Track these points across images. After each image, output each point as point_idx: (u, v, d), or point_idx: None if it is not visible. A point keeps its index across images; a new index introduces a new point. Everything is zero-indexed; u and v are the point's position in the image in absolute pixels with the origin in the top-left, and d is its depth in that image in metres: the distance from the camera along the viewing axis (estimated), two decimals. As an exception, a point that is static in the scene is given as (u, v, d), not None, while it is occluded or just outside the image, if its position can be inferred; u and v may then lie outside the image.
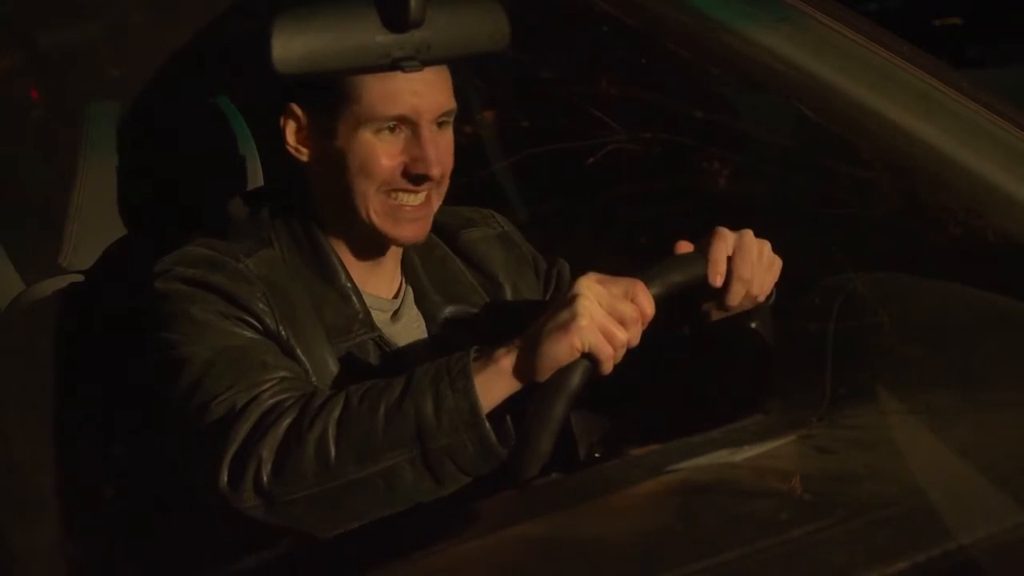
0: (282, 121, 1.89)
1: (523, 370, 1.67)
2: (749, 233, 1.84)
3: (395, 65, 1.83)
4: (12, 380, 2.02)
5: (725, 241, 1.82)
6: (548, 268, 2.12)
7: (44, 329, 2.02)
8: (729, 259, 1.81)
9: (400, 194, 1.87)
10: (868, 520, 1.52)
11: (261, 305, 1.82)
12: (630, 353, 1.70)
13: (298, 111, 1.88)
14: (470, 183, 1.98)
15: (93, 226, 2.10)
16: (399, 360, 1.89)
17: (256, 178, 2.18)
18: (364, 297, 1.92)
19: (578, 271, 2.12)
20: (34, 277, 2.11)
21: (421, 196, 1.88)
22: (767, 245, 1.85)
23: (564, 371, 1.67)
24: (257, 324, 1.81)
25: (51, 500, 1.96)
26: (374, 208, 1.87)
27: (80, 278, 2.09)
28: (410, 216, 1.88)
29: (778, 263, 1.86)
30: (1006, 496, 1.57)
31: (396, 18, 1.82)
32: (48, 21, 2.20)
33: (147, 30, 2.15)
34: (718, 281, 1.81)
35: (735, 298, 1.83)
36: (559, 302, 1.70)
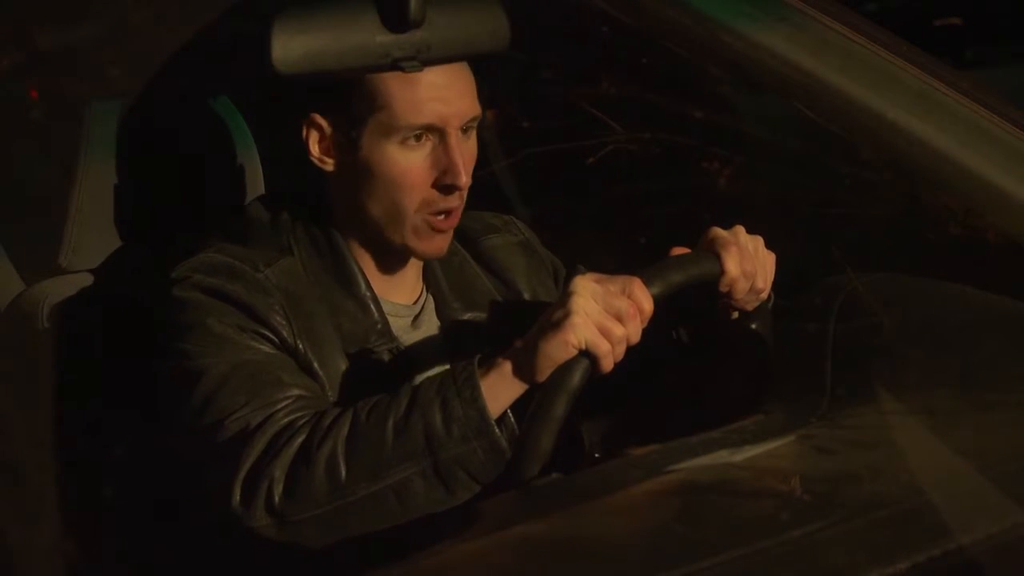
0: (304, 131, 1.87)
1: (524, 372, 1.67)
2: (741, 229, 1.85)
3: (395, 65, 1.82)
4: (12, 380, 2.02)
5: (730, 241, 1.83)
6: (567, 274, 2.12)
7: (44, 329, 2.01)
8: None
9: (437, 205, 1.86)
10: (868, 520, 1.52)
11: (278, 318, 1.81)
12: (630, 352, 1.70)
13: (321, 121, 1.86)
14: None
15: (93, 226, 2.10)
16: (416, 369, 1.89)
17: (255, 179, 2.18)
18: (383, 305, 1.91)
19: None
20: (34, 277, 2.11)
21: (452, 202, 1.87)
22: (760, 239, 1.86)
23: (563, 370, 1.67)
24: (274, 337, 1.80)
25: (51, 500, 1.96)
26: (410, 225, 1.86)
27: (80, 278, 2.09)
28: (441, 229, 1.88)
29: (772, 258, 1.88)
30: (1006, 496, 1.57)
31: (396, 18, 1.81)
32: (48, 21, 2.20)
33: (147, 30, 2.15)
34: (734, 281, 1.82)
35: (741, 293, 1.84)
36: (555, 304, 1.70)
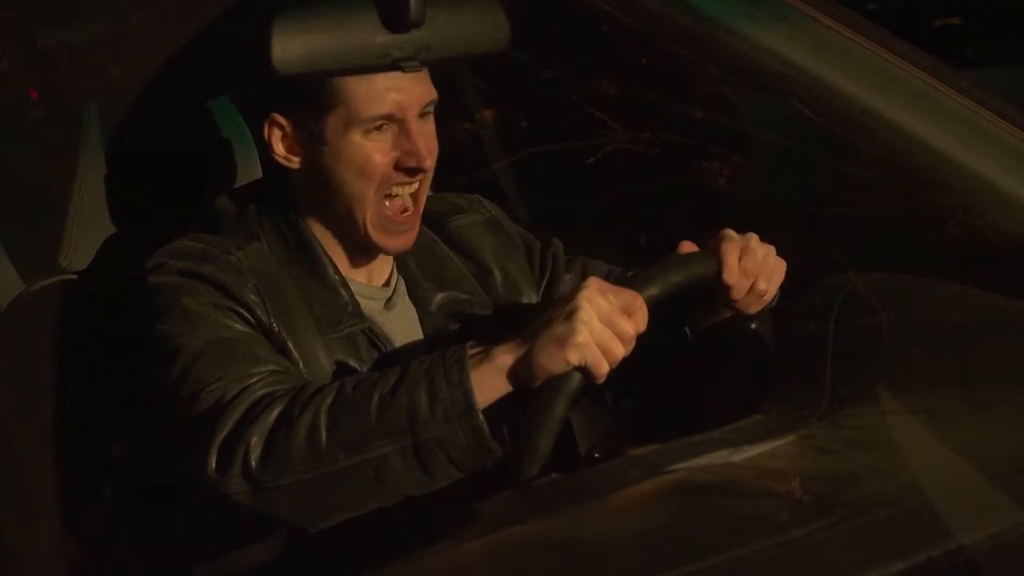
0: (266, 131, 1.89)
1: (518, 373, 1.67)
2: (755, 237, 1.86)
3: (395, 65, 1.83)
4: (12, 380, 2.02)
5: (734, 242, 1.83)
6: (543, 250, 2.13)
7: (44, 329, 2.02)
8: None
9: (395, 187, 1.88)
10: (868, 520, 1.52)
11: (252, 296, 1.82)
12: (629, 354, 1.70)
13: (282, 120, 1.88)
14: (470, 183, 1.98)
15: (93, 226, 2.10)
16: (390, 350, 1.90)
17: (255, 178, 2.18)
18: (355, 287, 1.93)
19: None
20: (34, 277, 2.11)
21: (415, 186, 1.89)
22: (772, 249, 1.87)
23: (561, 374, 1.67)
24: (248, 316, 1.81)
25: (51, 500, 1.96)
26: (370, 217, 1.88)
27: (80, 278, 2.09)
28: (401, 228, 1.90)
29: (783, 266, 1.88)
30: (1006, 496, 1.57)
31: (396, 18, 1.82)
32: (48, 21, 2.20)
33: (147, 30, 2.15)
34: (731, 279, 1.83)
35: (739, 293, 1.85)
36: (557, 310, 1.69)
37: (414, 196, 1.90)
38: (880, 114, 1.96)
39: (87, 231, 2.10)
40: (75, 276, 2.09)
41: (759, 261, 1.85)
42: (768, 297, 1.89)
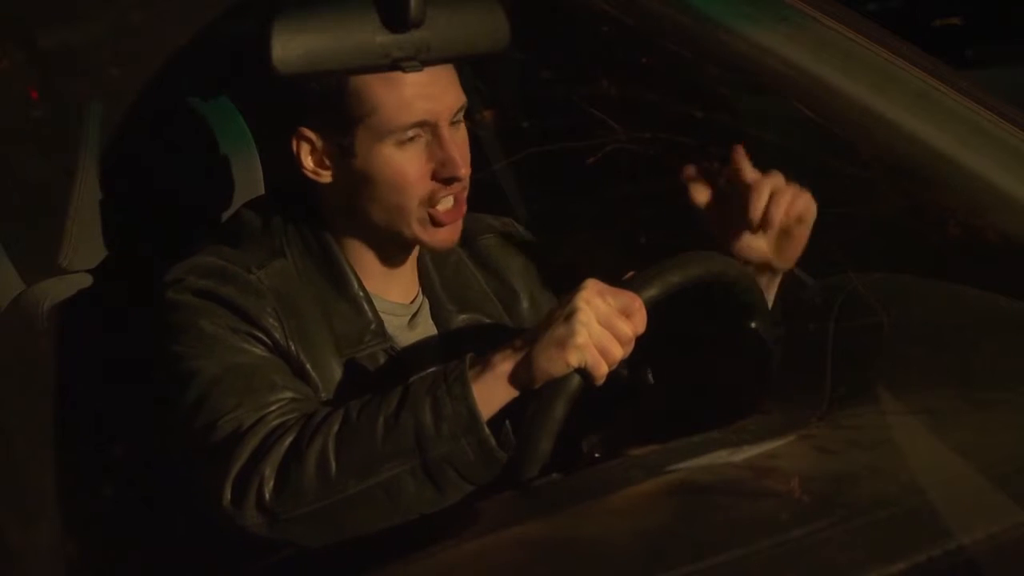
0: (294, 146, 1.86)
1: (519, 379, 1.67)
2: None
3: (395, 65, 1.82)
4: (12, 380, 2.02)
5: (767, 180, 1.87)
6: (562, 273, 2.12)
7: (44, 329, 2.01)
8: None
9: (434, 200, 1.86)
10: (868, 520, 1.52)
11: (271, 320, 1.81)
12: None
13: (310, 134, 1.85)
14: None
15: (93, 226, 2.10)
16: (410, 370, 1.88)
17: (255, 178, 2.18)
18: (379, 304, 1.91)
19: (579, 271, 2.12)
20: (34, 277, 2.10)
21: (454, 191, 1.87)
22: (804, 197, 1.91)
23: (561, 376, 1.67)
24: (266, 339, 1.80)
25: (51, 500, 1.96)
26: (415, 219, 1.86)
27: (80, 278, 2.09)
28: (446, 221, 1.88)
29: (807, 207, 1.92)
30: (1006, 496, 1.57)
31: (396, 18, 1.81)
32: (48, 21, 2.20)
33: (147, 30, 2.15)
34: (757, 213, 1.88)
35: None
36: (557, 312, 1.69)
37: (456, 199, 1.89)
38: (880, 114, 1.95)
39: (87, 231, 2.09)
40: (75, 276, 2.09)
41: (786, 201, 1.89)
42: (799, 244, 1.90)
